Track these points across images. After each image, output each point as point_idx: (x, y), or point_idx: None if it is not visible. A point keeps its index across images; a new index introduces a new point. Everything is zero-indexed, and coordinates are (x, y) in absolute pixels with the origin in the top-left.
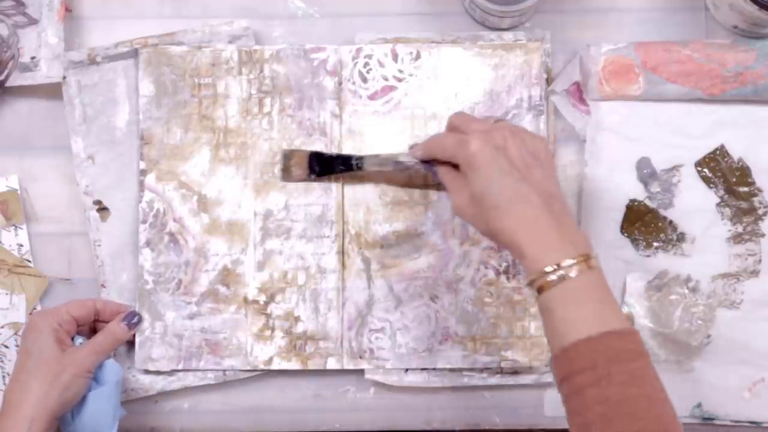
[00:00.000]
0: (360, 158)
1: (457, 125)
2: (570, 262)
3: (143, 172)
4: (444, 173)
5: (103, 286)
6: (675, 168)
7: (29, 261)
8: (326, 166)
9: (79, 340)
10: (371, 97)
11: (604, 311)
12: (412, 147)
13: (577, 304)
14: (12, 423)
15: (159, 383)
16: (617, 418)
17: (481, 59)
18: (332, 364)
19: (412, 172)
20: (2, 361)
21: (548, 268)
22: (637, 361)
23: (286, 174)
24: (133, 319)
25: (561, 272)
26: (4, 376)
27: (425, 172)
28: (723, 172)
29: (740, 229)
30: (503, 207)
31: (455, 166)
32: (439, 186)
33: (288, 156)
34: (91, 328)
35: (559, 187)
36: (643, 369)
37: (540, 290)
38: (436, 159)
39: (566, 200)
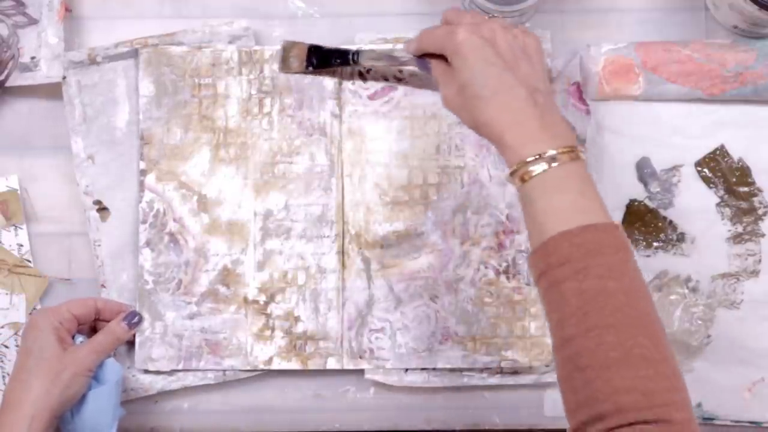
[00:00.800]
0: (357, 52)
1: (450, 19)
2: (552, 152)
3: (143, 172)
4: (435, 66)
5: (103, 286)
6: (675, 168)
7: (29, 261)
8: (324, 60)
9: (79, 338)
10: (371, 97)
11: (584, 203)
12: (406, 42)
13: (558, 194)
14: (12, 421)
15: (159, 383)
16: (593, 312)
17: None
18: (332, 364)
19: (408, 71)
20: (2, 361)
21: (530, 158)
22: (617, 254)
23: (285, 65)
24: (133, 319)
25: (543, 163)
26: (4, 376)
27: (419, 68)
28: (723, 172)
29: (740, 229)
30: (487, 97)
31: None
32: (439, 186)
33: (287, 48)
34: (92, 327)
35: (546, 82)
36: (622, 263)
37: (521, 180)
38: (429, 54)
39: (553, 96)
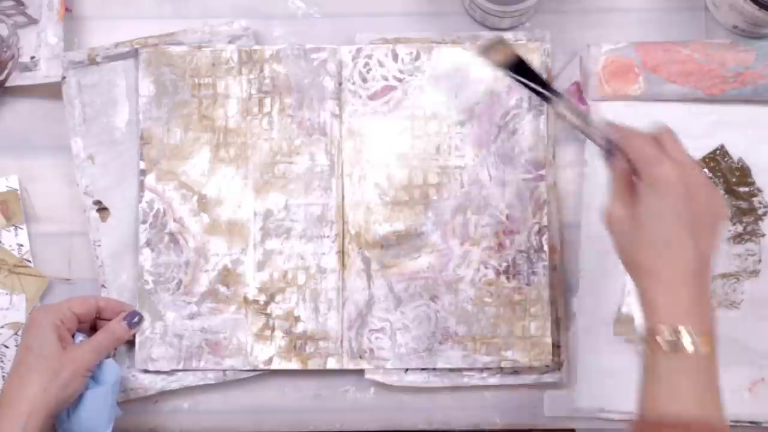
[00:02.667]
0: (557, 93)
1: (662, 140)
2: (695, 334)
3: (143, 172)
4: (619, 170)
5: (103, 286)
6: None
7: (29, 261)
8: (525, 74)
9: (79, 337)
10: (371, 97)
11: (705, 398)
12: (609, 123)
13: (685, 379)
14: (8, 417)
15: (159, 383)
16: None
17: (481, 59)
18: (332, 364)
19: (588, 135)
20: (2, 361)
21: (667, 331)
22: None
23: (491, 51)
24: (134, 319)
25: (680, 341)
26: (3, 376)
27: (602, 151)
28: (723, 172)
29: (740, 229)
30: (657, 246)
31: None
32: (439, 186)
33: (501, 42)
34: (92, 326)
35: (713, 259)
36: None
37: (651, 346)
38: (621, 151)
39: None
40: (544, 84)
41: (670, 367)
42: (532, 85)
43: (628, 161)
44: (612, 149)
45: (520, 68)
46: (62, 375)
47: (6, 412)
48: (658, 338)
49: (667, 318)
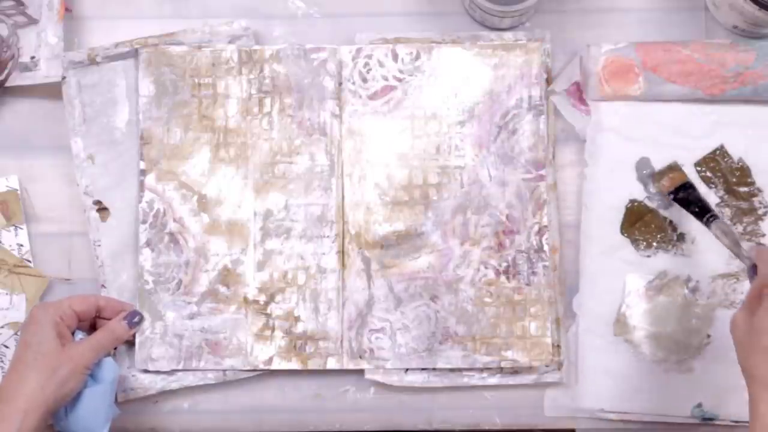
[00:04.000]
0: (715, 216)
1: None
2: None
3: (143, 172)
4: (754, 285)
5: (103, 286)
6: None
7: (29, 261)
8: (686, 199)
9: (79, 335)
10: (371, 97)
11: None
12: (757, 245)
13: None
14: (5, 414)
15: (159, 383)
16: None
17: (481, 59)
18: (332, 364)
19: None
20: (2, 361)
21: None
22: None
23: (660, 179)
24: (134, 318)
25: None
26: (3, 374)
27: (747, 269)
28: (723, 172)
29: (740, 229)
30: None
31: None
32: (439, 186)
33: (674, 168)
34: (92, 324)
35: None
36: None
37: None
38: (758, 267)
39: None
40: (705, 207)
41: None
42: (693, 208)
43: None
44: (754, 267)
45: (687, 190)
46: (60, 372)
47: (3, 409)
48: None
49: None
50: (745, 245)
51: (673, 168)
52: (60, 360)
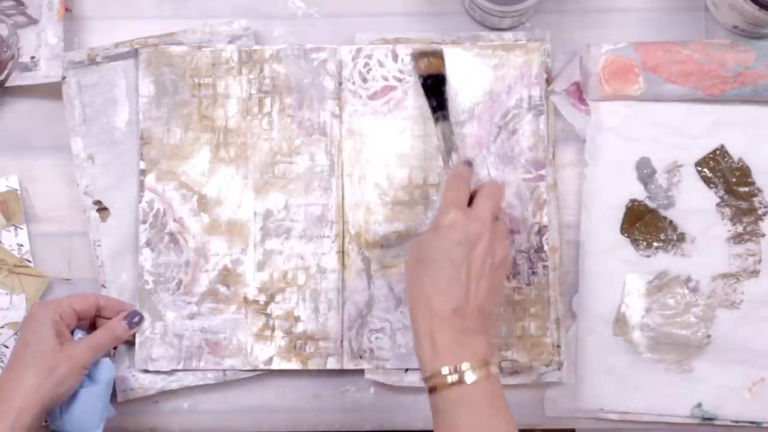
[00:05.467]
0: (446, 119)
1: (478, 189)
2: (467, 366)
3: (143, 172)
4: (448, 183)
5: (103, 286)
6: (675, 168)
7: (29, 261)
8: (432, 89)
9: (78, 334)
10: (371, 97)
11: (490, 421)
12: (465, 161)
13: (468, 411)
14: (0, 412)
15: (159, 383)
16: None
17: (481, 59)
18: (332, 364)
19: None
20: (2, 361)
21: (445, 370)
22: None
23: (420, 59)
24: (134, 319)
25: (455, 376)
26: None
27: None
28: (723, 172)
29: (740, 229)
30: (430, 293)
31: None
32: (439, 186)
33: (437, 55)
34: (92, 323)
35: (497, 303)
36: None
37: (432, 390)
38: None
39: (495, 315)
40: (441, 102)
41: (454, 406)
42: (432, 102)
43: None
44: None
45: (439, 83)
46: (57, 372)
47: None
48: (436, 381)
49: (438, 359)
50: (455, 157)
51: (437, 54)
52: (58, 359)
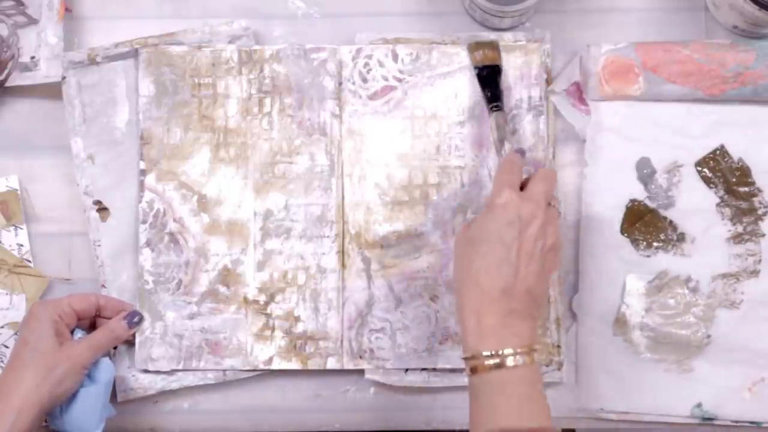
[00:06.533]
0: (500, 109)
1: (531, 175)
2: (509, 350)
3: (143, 172)
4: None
5: (103, 286)
6: (675, 168)
7: (29, 261)
8: (487, 79)
9: (78, 334)
10: (371, 97)
11: (527, 407)
12: (517, 149)
13: (507, 397)
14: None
15: (159, 383)
16: None
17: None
18: (332, 364)
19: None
20: (2, 361)
21: (486, 352)
22: None
23: (476, 49)
24: (134, 318)
25: (497, 360)
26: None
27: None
28: (723, 172)
29: (740, 229)
30: (479, 272)
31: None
32: (439, 186)
33: (493, 47)
34: (92, 323)
35: (546, 289)
36: None
37: (473, 371)
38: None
39: (545, 301)
40: (496, 95)
41: (491, 389)
42: (487, 92)
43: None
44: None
45: (495, 73)
46: (57, 372)
47: None
48: (477, 362)
49: (481, 342)
50: (507, 147)
51: (492, 46)
52: (57, 359)
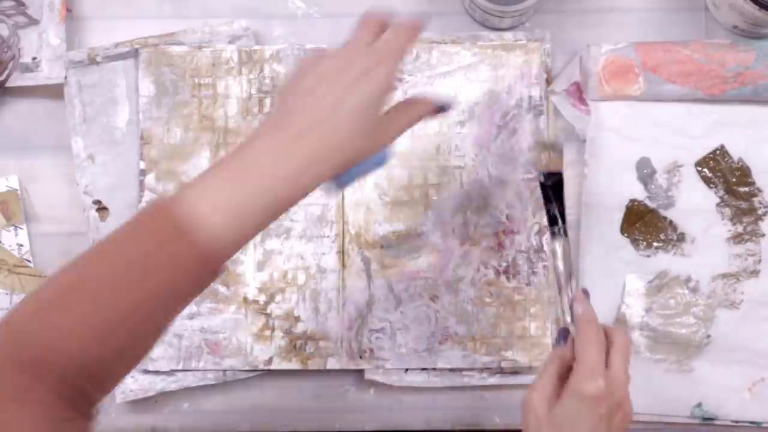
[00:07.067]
0: (565, 234)
1: (612, 345)
2: None
3: (143, 172)
4: (559, 357)
5: None
6: (675, 168)
7: (29, 261)
8: (553, 191)
9: None
10: None
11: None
12: (581, 302)
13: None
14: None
15: (159, 383)
16: None
17: (481, 59)
18: (332, 364)
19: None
20: None
21: None
22: None
23: (542, 150)
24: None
25: None
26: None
27: (558, 332)
28: (723, 172)
29: (740, 229)
30: None
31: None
32: (439, 186)
33: (557, 149)
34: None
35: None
36: None
37: None
38: (573, 342)
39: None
40: (563, 216)
41: None
42: (553, 209)
43: (571, 356)
44: (566, 335)
45: (557, 184)
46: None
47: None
48: None
49: None
50: (574, 284)
51: (556, 148)
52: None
